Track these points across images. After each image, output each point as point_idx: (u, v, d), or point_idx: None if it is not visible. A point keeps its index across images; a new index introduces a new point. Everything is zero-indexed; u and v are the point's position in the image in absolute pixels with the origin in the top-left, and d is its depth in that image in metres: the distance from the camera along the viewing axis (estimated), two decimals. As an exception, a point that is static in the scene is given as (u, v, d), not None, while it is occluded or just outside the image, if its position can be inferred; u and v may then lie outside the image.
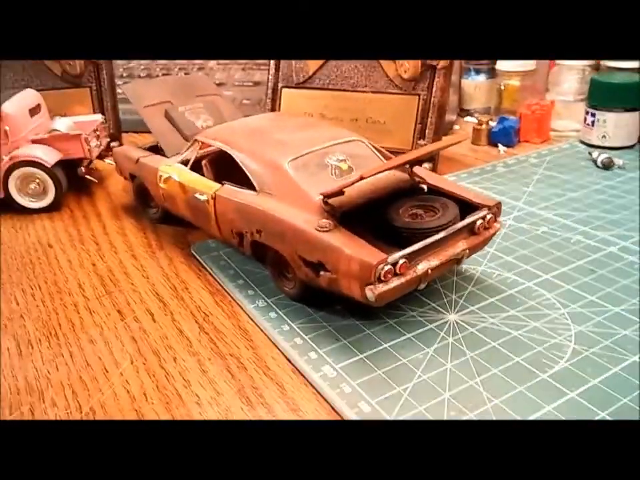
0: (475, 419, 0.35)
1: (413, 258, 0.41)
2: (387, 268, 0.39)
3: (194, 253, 0.57)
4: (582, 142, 0.83)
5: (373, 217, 0.46)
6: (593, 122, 0.80)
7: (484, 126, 0.87)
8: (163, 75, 1.11)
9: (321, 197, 0.43)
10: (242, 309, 0.48)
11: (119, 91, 0.90)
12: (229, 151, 0.50)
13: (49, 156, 0.69)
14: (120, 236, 0.63)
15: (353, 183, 0.40)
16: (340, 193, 0.42)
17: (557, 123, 0.89)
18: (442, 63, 0.72)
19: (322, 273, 0.42)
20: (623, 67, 0.85)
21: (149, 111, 0.64)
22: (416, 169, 0.50)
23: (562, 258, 0.52)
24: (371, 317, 0.45)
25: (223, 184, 0.51)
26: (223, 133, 0.54)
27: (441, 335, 0.42)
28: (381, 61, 0.75)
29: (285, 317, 0.46)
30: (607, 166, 0.73)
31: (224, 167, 0.52)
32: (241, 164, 0.49)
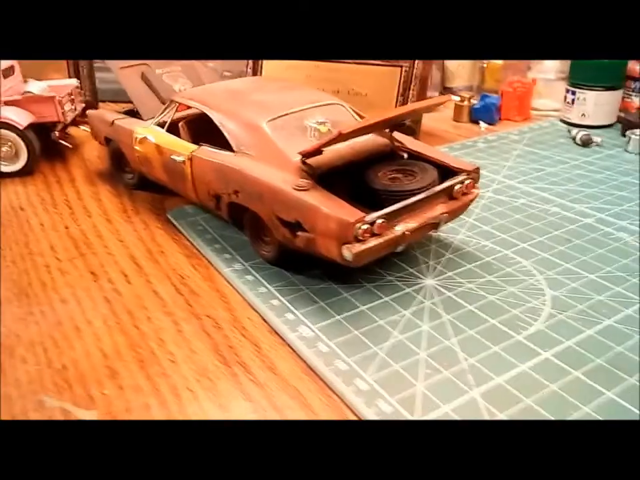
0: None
1: (391, 219, 0.40)
2: (364, 227, 0.38)
3: (170, 218, 0.56)
4: (562, 120, 0.83)
5: (352, 179, 0.45)
6: (573, 100, 0.81)
7: (466, 102, 0.87)
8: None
9: (300, 156, 0.42)
10: (219, 272, 0.47)
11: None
12: (206, 111, 0.49)
13: (22, 118, 0.66)
14: (94, 201, 0.61)
15: (330, 141, 0.40)
16: (318, 152, 0.42)
17: (538, 102, 0.89)
18: (425, 35, 0.71)
19: (299, 233, 0.41)
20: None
21: (126, 72, 0.62)
22: (396, 134, 0.49)
23: (539, 228, 0.52)
24: (348, 281, 0.44)
25: (200, 145, 0.50)
26: (201, 93, 0.53)
27: (418, 298, 0.42)
28: (364, 32, 0.74)
29: (262, 279, 0.45)
30: (586, 143, 0.73)
31: (202, 129, 0.51)
32: (218, 124, 0.48)
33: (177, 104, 0.54)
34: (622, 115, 0.80)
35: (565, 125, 0.82)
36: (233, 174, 0.45)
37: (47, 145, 0.71)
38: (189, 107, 0.54)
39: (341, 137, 0.39)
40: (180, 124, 0.53)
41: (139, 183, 0.62)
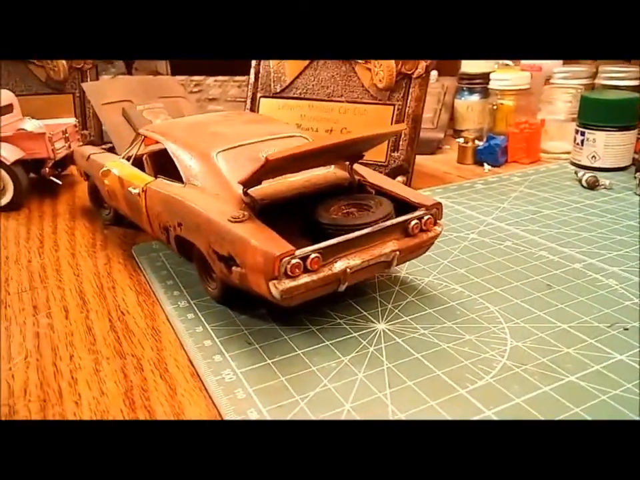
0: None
1: (329, 254, 0.37)
2: (294, 262, 0.35)
3: (134, 254, 0.54)
4: (572, 163, 0.78)
5: (302, 213, 0.42)
6: (582, 141, 0.76)
7: (470, 144, 0.83)
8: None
9: (242, 189, 0.40)
10: (162, 309, 0.45)
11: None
12: (162, 142, 0.48)
13: (10, 153, 0.67)
14: (67, 235, 0.60)
15: (262, 168, 0.37)
16: (257, 182, 0.39)
17: (548, 144, 0.85)
18: (417, 72, 0.69)
19: (233, 267, 0.38)
20: (618, 86, 0.81)
21: (107, 108, 0.62)
22: (356, 166, 0.46)
23: (519, 272, 0.47)
24: (293, 323, 0.41)
25: (156, 177, 0.48)
26: (164, 126, 0.52)
27: (363, 343, 0.38)
28: (357, 70, 0.73)
29: (202, 318, 0.42)
30: (592, 185, 0.68)
31: (165, 162, 0.49)
32: (172, 155, 0.46)
33: (143, 137, 0.53)
34: (637, 156, 0.75)
35: (574, 168, 0.77)
36: (176, 205, 0.43)
37: (39, 181, 0.72)
38: (157, 141, 0.53)
39: (269, 163, 0.36)
40: (144, 157, 0.52)
41: (114, 218, 0.61)
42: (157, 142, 0.52)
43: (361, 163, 0.54)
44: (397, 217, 0.41)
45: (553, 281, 0.46)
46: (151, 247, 0.55)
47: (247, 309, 0.43)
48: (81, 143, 0.78)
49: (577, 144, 0.77)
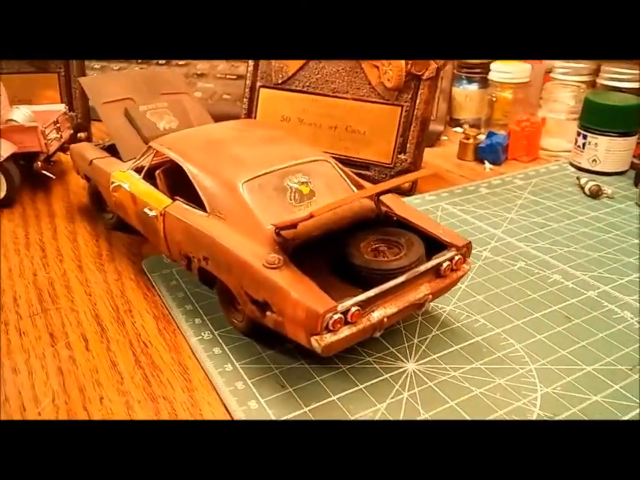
0: None
1: (367, 304, 0.37)
2: (336, 317, 0.35)
3: (145, 269, 0.53)
4: (572, 164, 0.79)
5: (332, 249, 0.42)
6: (583, 144, 0.76)
7: (471, 140, 0.83)
8: (138, 64, 1.06)
9: (272, 227, 0.39)
10: (185, 340, 0.44)
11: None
12: (181, 164, 0.46)
13: (1, 148, 0.64)
14: (70, 242, 0.58)
15: (303, 220, 0.36)
16: (293, 226, 0.38)
17: (547, 141, 0.85)
18: (427, 74, 0.68)
19: (268, 313, 0.38)
20: (619, 87, 0.81)
21: (108, 108, 0.59)
22: (384, 197, 0.46)
23: (536, 301, 0.48)
24: (323, 361, 0.41)
25: (174, 199, 0.47)
26: (179, 142, 0.49)
27: (396, 387, 0.39)
28: (364, 67, 0.71)
29: (229, 354, 0.42)
30: (595, 194, 0.69)
31: (179, 178, 0.47)
32: (192, 179, 0.45)
33: (155, 150, 0.50)
34: (636, 161, 0.76)
35: (574, 169, 0.78)
36: (203, 238, 0.42)
37: (29, 175, 0.69)
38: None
39: (313, 217, 0.35)
40: (157, 172, 0.50)
41: (118, 223, 0.59)
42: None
43: (368, 162, 0.53)
44: (425, 253, 0.41)
45: (570, 311, 0.47)
46: (162, 262, 0.53)
47: (273, 344, 0.42)
48: (71, 131, 0.75)
49: (579, 146, 0.77)
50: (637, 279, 0.52)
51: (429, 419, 0.36)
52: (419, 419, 0.36)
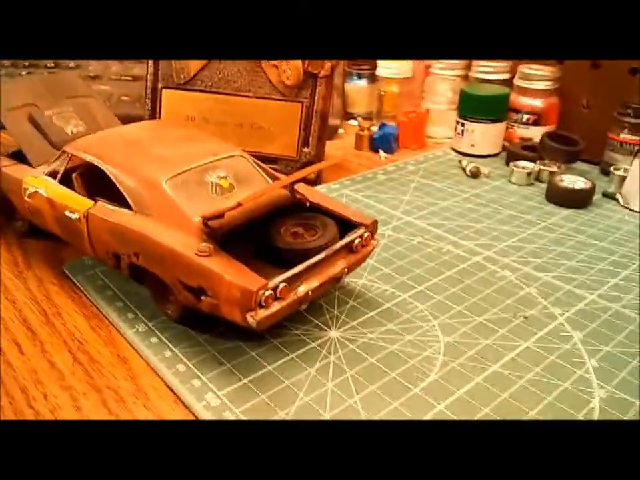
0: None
1: (293, 281, 0.41)
2: (267, 293, 0.39)
3: (67, 272, 0.53)
4: (454, 149, 0.89)
5: (254, 236, 0.46)
6: (462, 131, 0.86)
7: (365, 132, 0.90)
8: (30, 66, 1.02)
9: (200, 218, 0.42)
10: (121, 334, 0.46)
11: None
12: (101, 167, 0.48)
13: None
14: (-20, 253, 0.57)
15: (231, 209, 0.40)
16: (220, 216, 0.42)
17: (432, 129, 0.94)
18: (323, 72, 0.73)
19: (203, 297, 0.41)
20: (490, 79, 0.92)
21: (12, 115, 0.58)
22: (297, 185, 0.50)
23: (434, 269, 0.55)
24: (254, 338, 0.45)
25: (96, 201, 0.48)
26: (95, 145, 0.51)
27: (323, 352, 0.44)
28: (264, 66, 0.75)
29: (167, 341, 0.44)
30: (475, 175, 0.78)
31: (96, 180, 0.49)
32: (115, 181, 0.47)
33: (69, 155, 0.51)
34: (506, 144, 0.87)
35: (455, 154, 0.87)
36: (132, 235, 0.44)
37: None
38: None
39: (240, 207, 0.39)
40: (73, 175, 0.51)
41: (30, 230, 0.59)
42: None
43: (273, 156, 0.57)
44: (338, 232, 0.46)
45: (462, 275, 0.55)
46: (84, 263, 0.54)
47: (207, 329, 0.46)
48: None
49: (458, 133, 0.87)
50: (514, 244, 0.61)
51: (354, 375, 0.41)
52: (344, 377, 0.41)
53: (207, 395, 0.39)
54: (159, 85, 0.79)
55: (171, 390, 0.40)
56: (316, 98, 0.74)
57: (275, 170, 0.73)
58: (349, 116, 1.05)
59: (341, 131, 0.99)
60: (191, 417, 0.38)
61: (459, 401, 0.39)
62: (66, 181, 0.51)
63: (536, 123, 0.85)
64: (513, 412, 0.38)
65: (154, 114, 0.79)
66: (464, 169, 0.80)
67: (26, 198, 0.53)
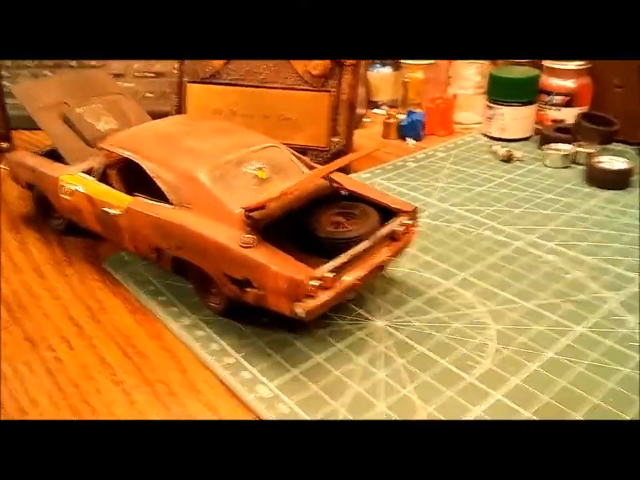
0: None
1: (339, 270, 0.41)
2: (315, 283, 0.38)
3: (107, 268, 0.54)
4: (484, 134, 0.87)
5: (295, 226, 0.46)
6: (492, 115, 0.84)
7: (392, 120, 0.89)
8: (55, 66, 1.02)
9: (242, 209, 0.42)
10: (167, 328, 0.46)
11: (5, 83, 0.82)
12: (138, 161, 0.47)
13: None
14: (22, 252, 0.58)
15: (273, 200, 0.39)
16: (262, 207, 0.41)
17: (460, 115, 0.93)
18: (349, 60, 0.72)
19: (248, 289, 0.41)
20: (517, 61, 0.90)
21: (44, 114, 0.59)
22: (334, 174, 0.50)
23: (476, 255, 0.54)
24: (300, 329, 0.44)
25: (135, 196, 0.48)
26: (130, 140, 0.51)
27: (371, 342, 0.43)
28: (290, 57, 0.74)
29: (213, 334, 0.44)
30: (507, 159, 0.77)
31: (134, 176, 0.49)
32: (151, 175, 0.46)
33: (105, 151, 0.51)
34: (539, 126, 0.85)
35: (486, 139, 0.86)
36: (174, 229, 0.44)
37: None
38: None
39: (284, 197, 0.39)
40: (111, 171, 0.51)
41: (68, 228, 0.59)
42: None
43: (302, 147, 0.56)
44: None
45: (504, 261, 0.54)
46: (122, 259, 0.54)
47: (252, 319, 0.45)
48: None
49: (488, 118, 0.85)
50: (558, 227, 0.59)
51: (406, 364, 0.41)
52: (395, 366, 0.41)
53: (257, 386, 0.39)
54: (184, 80, 0.79)
55: (222, 382, 0.40)
56: (343, 86, 0.73)
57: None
58: (373, 104, 1.04)
59: (366, 120, 0.98)
60: (243, 409, 0.38)
61: (517, 389, 0.38)
62: (102, 176, 0.51)
63: (568, 105, 0.83)
64: (575, 399, 0.37)
65: (180, 109, 0.79)
66: (495, 154, 0.79)
67: (63, 195, 0.53)
